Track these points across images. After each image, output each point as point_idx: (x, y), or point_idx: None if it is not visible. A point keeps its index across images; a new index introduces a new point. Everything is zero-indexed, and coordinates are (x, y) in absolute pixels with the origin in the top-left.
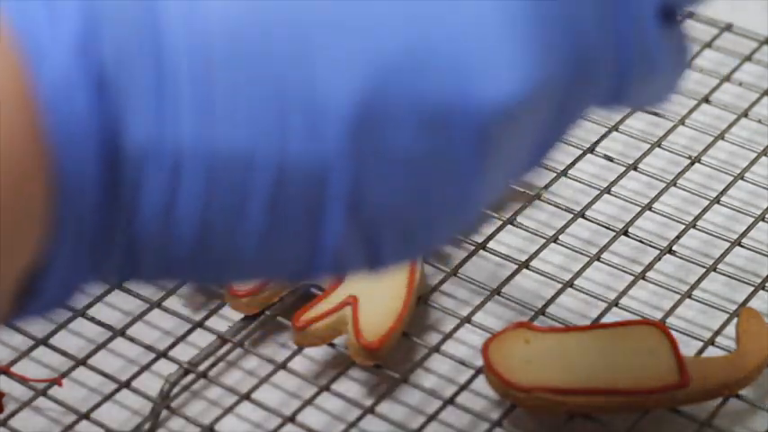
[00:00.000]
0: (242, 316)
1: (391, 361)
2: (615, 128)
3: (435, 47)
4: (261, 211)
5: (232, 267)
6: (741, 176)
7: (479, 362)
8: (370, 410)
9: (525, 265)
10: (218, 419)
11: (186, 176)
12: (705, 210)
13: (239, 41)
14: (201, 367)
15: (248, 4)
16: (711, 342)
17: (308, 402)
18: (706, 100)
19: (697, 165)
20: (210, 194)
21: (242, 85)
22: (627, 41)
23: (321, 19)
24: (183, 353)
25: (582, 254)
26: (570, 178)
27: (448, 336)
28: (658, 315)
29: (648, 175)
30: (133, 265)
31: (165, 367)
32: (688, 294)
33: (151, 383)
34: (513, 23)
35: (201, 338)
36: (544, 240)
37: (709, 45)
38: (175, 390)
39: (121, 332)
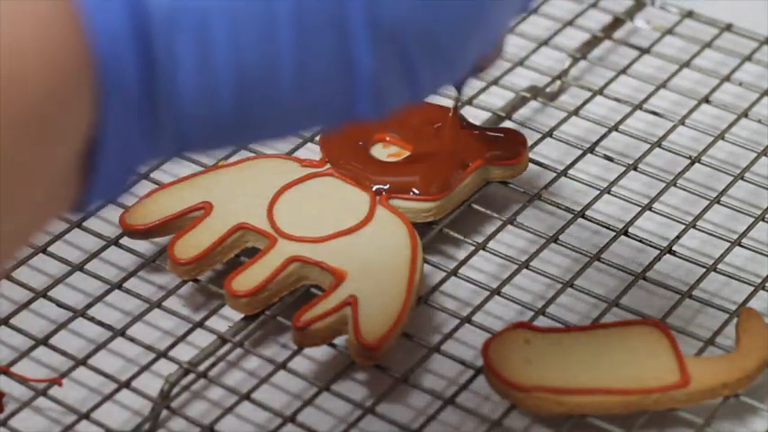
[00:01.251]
0: (242, 316)
1: (391, 361)
2: (615, 128)
3: None
4: (289, 43)
5: (275, 114)
6: (741, 176)
7: (479, 362)
8: (370, 410)
9: (525, 265)
10: (218, 420)
11: (214, 28)
12: (705, 210)
13: None
14: (201, 367)
15: None
16: (711, 342)
17: (308, 402)
18: (706, 100)
19: (697, 165)
20: (240, 38)
21: None
22: None
23: None
24: (183, 353)
25: (582, 254)
26: (570, 178)
27: (448, 336)
28: (658, 315)
29: (648, 175)
30: (183, 134)
31: (165, 367)
32: (688, 294)
33: (151, 383)
34: None
35: (201, 338)
36: (544, 240)
37: (709, 45)
38: (175, 390)
39: (121, 332)
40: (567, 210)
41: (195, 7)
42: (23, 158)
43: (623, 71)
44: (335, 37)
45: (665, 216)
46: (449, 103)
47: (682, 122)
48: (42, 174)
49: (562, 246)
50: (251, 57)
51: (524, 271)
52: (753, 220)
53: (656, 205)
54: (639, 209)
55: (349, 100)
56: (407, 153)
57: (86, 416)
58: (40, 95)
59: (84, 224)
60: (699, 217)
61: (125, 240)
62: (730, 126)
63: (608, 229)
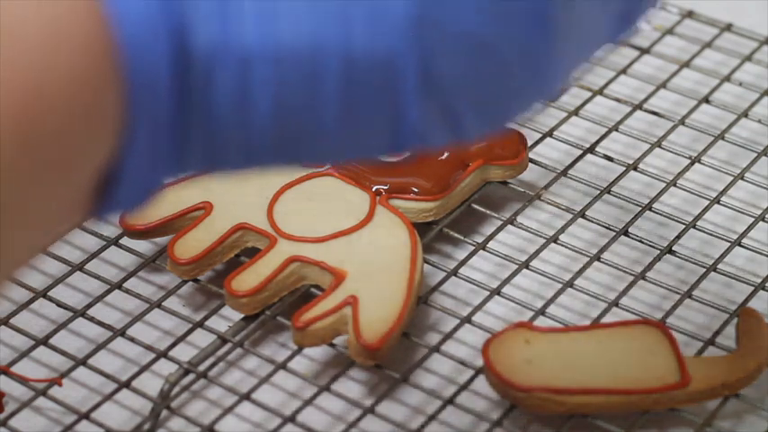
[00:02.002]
0: (242, 316)
1: (391, 361)
2: (615, 128)
3: None
4: (334, 95)
5: (312, 150)
6: (741, 176)
7: (479, 362)
8: (370, 410)
9: (525, 265)
10: (218, 419)
11: (256, 68)
12: (705, 210)
13: None
14: (201, 367)
15: None
16: (711, 342)
17: (308, 402)
18: (706, 100)
19: (697, 165)
20: (282, 82)
21: None
22: None
23: None
24: (183, 353)
25: (582, 254)
26: (570, 178)
27: (448, 336)
28: (658, 315)
29: (648, 175)
30: (216, 157)
31: (165, 367)
32: (688, 294)
33: (151, 383)
34: None
35: (201, 338)
36: (544, 240)
37: (709, 45)
38: (175, 390)
39: (121, 332)
40: (567, 210)
41: (237, 48)
42: (48, 173)
43: (623, 71)
44: (383, 88)
45: (665, 216)
46: None
47: (682, 122)
48: (64, 187)
49: (562, 246)
50: (291, 100)
51: (524, 271)
52: (753, 220)
53: (655, 205)
54: (639, 209)
55: (391, 144)
56: (407, 153)
57: (86, 416)
58: (70, 112)
59: (84, 224)
60: (699, 217)
61: (125, 240)
62: (730, 126)
63: (608, 229)
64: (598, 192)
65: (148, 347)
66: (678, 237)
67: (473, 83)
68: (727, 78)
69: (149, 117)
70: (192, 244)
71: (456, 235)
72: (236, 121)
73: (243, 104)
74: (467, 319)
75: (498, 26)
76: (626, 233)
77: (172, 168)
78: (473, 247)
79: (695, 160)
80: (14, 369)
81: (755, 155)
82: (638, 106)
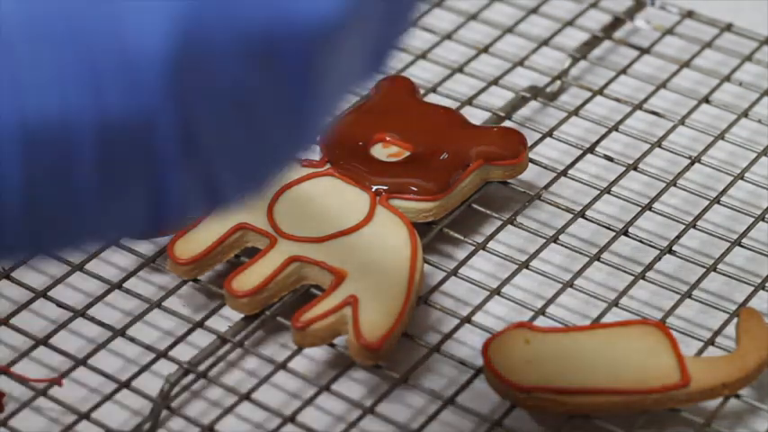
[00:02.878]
0: (242, 316)
1: (391, 361)
2: (615, 128)
3: None
4: (90, 170)
5: (70, 225)
6: (741, 176)
7: (479, 362)
8: (370, 410)
9: (525, 265)
10: (218, 419)
11: (3, 152)
12: (705, 210)
13: (36, 12)
14: (201, 367)
15: None
16: (711, 342)
17: (308, 402)
18: (706, 100)
19: (697, 165)
20: (32, 165)
21: (46, 51)
22: None
23: None
24: (183, 353)
25: (582, 254)
26: (570, 178)
27: (448, 336)
28: (658, 315)
29: (648, 175)
30: None
31: (165, 367)
32: (688, 294)
33: (151, 383)
34: None
35: (201, 338)
36: (544, 240)
37: (709, 45)
38: (175, 390)
39: (121, 332)
40: (567, 210)
41: None
42: None
43: (623, 71)
44: (143, 162)
45: (664, 216)
46: (449, 103)
47: (682, 122)
48: None
49: (562, 246)
50: (44, 183)
51: (524, 271)
52: (753, 220)
53: (655, 205)
54: (639, 209)
55: (151, 217)
56: (407, 153)
57: (86, 416)
58: None
59: None
60: (699, 217)
61: (125, 240)
62: (730, 126)
63: (608, 229)
64: (598, 192)
65: (148, 347)
66: (678, 236)
67: (233, 144)
68: (727, 78)
69: None
70: (192, 244)
71: (456, 235)
72: None
73: None
74: (467, 319)
75: (258, 81)
76: (626, 233)
77: None
78: (473, 247)
79: (695, 160)
80: (14, 369)
81: (755, 155)
82: (638, 106)
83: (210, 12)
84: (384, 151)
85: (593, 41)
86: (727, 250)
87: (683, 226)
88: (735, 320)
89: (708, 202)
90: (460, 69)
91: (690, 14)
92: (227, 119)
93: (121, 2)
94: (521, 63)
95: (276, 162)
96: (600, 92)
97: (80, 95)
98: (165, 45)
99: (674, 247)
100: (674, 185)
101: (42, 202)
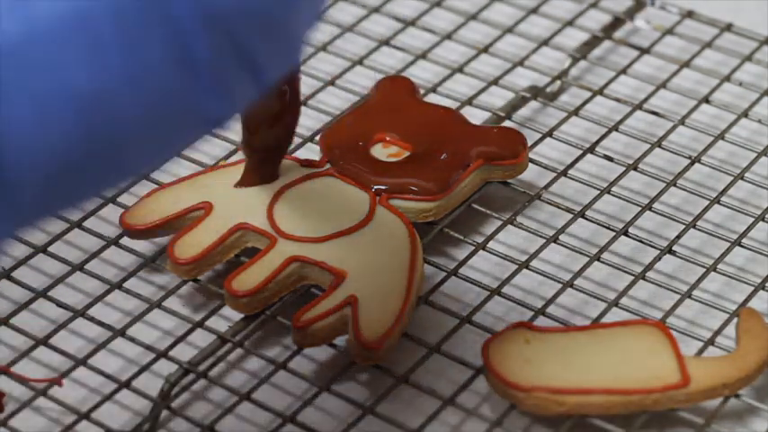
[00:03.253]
0: (242, 316)
1: (391, 361)
2: (615, 128)
3: None
4: (117, 48)
5: (124, 139)
6: (741, 176)
7: (479, 362)
8: (370, 410)
9: (525, 265)
10: (218, 419)
11: (39, 59)
12: (705, 209)
13: None
14: (201, 367)
15: None
16: (711, 342)
17: (308, 402)
18: (706, 100)
19: (697, 164)
20: (68, 67)
21: None
22: None
23: None
24: (183, 353)
25: (582, 254)
26: (570, 178)
27: (448, 336)
28: (658, 315)
29: (648, 175)
30: (38, 197)
31: (165, 367)
32: (688, 294)
33: (151, 383)
34: None
35: (201, 338)
36: (544, 240)
37: (709, 45)
38: (175, 390)
39: (121, 332)
40: (567, 210)
41: (14, 35)
42: None
43: (623, 71)
44: (166, 35)
45: (664, 216)
46: (449, 103)
47: (682, 122)
48: None
49: (562, 246)
50: (81, 76)
51: (524, 271)
52: (753, 220)
53: (655, 205)
54: (639, 209)
55: (195, 101)
56: (407, 153)
57: (86, 416)
58: None
59: (84, 224)
60: (699, 217)
61: (125, 240)
62: (730, 126)
63: (608, 228)
64: (598, 191)
65: (148, 347)
66: (678, 236)
67: (252, 5)
68: (727, 78)
69: None
70: (191, 244)
71: (456, 235)
72: (39, 139)
73: (37, 106)
74: (467, 319)
75: None
76: (626, 233)
77: (5, 226)
78: (473, 247)
79: (695, 160)
80: (14, 369)
81: (755, 155)
82: (638, 106)
83: None
84: (384, 151)
85: (593, 41)
86: (727, 250)
87: (683, 226)
88: (735, 320)
89: (708, 202)
90: (460, 69)
91: (690, 14)
92: None
93: None
94: (521, 63)
95: (299, 21)
96: (600, 92)
97: None
98: None
99: (674, 247)
100: (674, 185)
101: (90, 108)
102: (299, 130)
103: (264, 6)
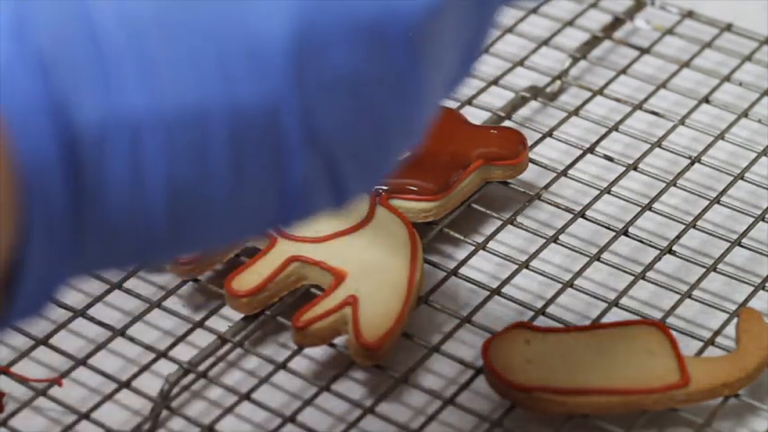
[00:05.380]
0: (242, 316)
1: (391, 361)
2: (615, 128)
3: None
4: (224, 160)
5: (206, 228)
6: (741, 176)
7: (479, 362)
8: (370, 410)
9: (525, 265)
10: (218, 419)
11: (147, 143)
12: (705, 210)
13: (166, 3)
14: (201, 367)
15: None
16: (711, 342)
17: (308, 402)
18: (706, 100)
19: (697, 165)
20: (174, 155)
21: (178, 42)
22: None
23: None
24: (183, 353)
25: (582, 254)
26: (570, 178)
27: (448, 336)
28: (658, 315)
29: (648, 175)
30: (114, 250)
31: (165, 367)
32: (688, 294)
33: (151, 383)
34: None
35: (201, 338)
36: (544, 240)
37: (709, 45)
38: (175, 390)
39: (121, 332)
40: (567, 210)
41: (127, 122)
42: None
43: (623, 71)
44: (269, 145)
45: (664, 216)
46: (449, 103)
47: (682, 122)
48: None
49: (562, 246)
50: (184, 172)
51: (524, 271)
52: (753, 220)
53: (655, 205)
54: (639, 209)
55: (279, 210)
56: (407, 153)
57: (86, 416)
58: None
59: None
60: (699, 217)
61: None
62: (730, 126)
63: (608, 229)
64: (598, 192)
65: (148, 347)
66: (678, 236)
67: (351, 132)
68: (727, 78)
69: (43, 207)
70: None
71: (456, 235)
72: (131, 211)
73: (135, 181)
74: (467, 319)
75: (369, 66)
76: (626, 233)
77: (71, 267)
78: (473, 247)
79: (695, 160)
80: (14, 369)
81: (755, 155)
82: (638, 106)
83: (326, 2)
84: None
85: (593, 41)
86: (727, 250)
87: (683, 226)
88: (735, 320)
89: (708, 202)
90: None
91: (690, 14)
92: (344, 106)
93: None
94: (521, 63)
95: (392, 152)
96: (600, 92)
97: (211, 81)
98: (286, 34)
99: (674, 247)
100: (674, 185)
101: (182, 201)
102: None
103: (368, 138)
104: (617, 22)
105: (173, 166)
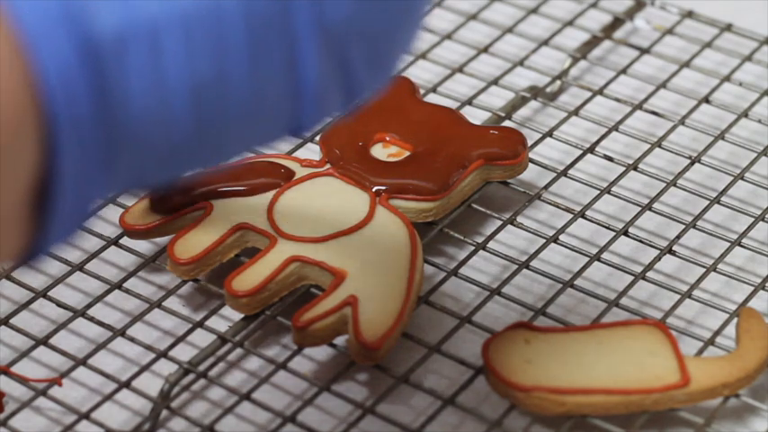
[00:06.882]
0: (242, 316)
1: (391, 361)
2: (615, 128)
3: None
4: (240, 46)
5: (229, 128)
6: (741, 176)
7: (479, 362)
8: (370, 410)
9: (525, 265)
10: (218, 420)
11: (166, 42)
12: (705, 209)
13: None
14: (201, 367)
15: None
16: (711, 342)
17: (308, 402)
18: (706, 100)
19: (697, 165)
20: (193, 54)
21: None
22: None
23: None
24: (183, 353)
25: (582, 254)
26: (570, 178)
27: (448, 336)
28: (658, 315)
29: (648, 175)
30: (139, 161)
31: (165, 367)
32: (688, 294)
33: (151, 383)
34: None
35: (201, 338)
36: (544, 240)
37: (709, 45)
38: (175, 390)
39: (121, 332)
40: (567, 210)
41: (145, 20)
42: None
43: (623, 71)
44: (283, 39)
45: (664, 216)
46: (449, 103)
47: (682, 122)
48: None
49: (562, 246)
50: (204, 66)
51: (524, 271)
52: (753, 220)
53: (655, 205)
54: (639, 209)
55: (295, 106)
56: (407, 153)
57: (86, 416)
58: None
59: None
60: (699, 217)
61: (125, 240)
62: (730, 126)
63: (608, 228)
64: (598, 191)
65: (148, 347)
66: (678, 236)
67: (360, 19)
68: (727, 78)
69: (72, 128)
70: (192, 244)
71: (456, 235)
72: (155, 111)
73: (157, 82)
74: (467, 319)
75: None
76: (626, 233)
77: (102, 185)
78: (473, 247)
79: (695, 160)
80: (14, 369)
81: (755, 155)
82: (638, 106)
83: None
84: (384, 151)
85: (593, 41)
86: (727, 250)
87: (683, 226)
88: (735, 320)
89: (708, 202)
90: (460, 69)
91: (690, 14)
92: (355, 6)
93: None
94: (521, 63)
95: (398, 44)
96: (600, 92)
97: None
98: None
99: (674, 247)
100: (674, 185)
101: (203, 92)
102: None
103: (376, 25)
104: (617, 22)
105: (193, 65)
